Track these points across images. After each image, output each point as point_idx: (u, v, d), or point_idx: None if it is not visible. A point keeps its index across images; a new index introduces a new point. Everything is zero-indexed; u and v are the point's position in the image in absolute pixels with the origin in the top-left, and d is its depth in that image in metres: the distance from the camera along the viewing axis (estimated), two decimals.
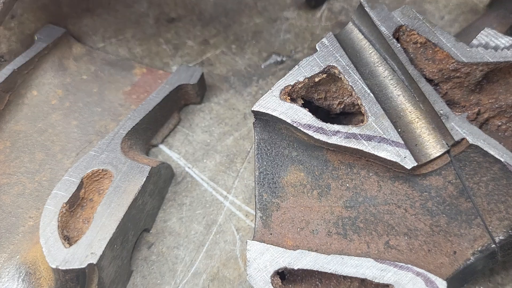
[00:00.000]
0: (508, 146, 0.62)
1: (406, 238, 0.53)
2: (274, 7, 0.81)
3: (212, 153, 0.69)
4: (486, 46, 0.56)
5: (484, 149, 0.51)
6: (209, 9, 0.81)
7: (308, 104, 0.60)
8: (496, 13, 0.73)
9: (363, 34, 0.58)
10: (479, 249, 0.52)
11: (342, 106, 0.62)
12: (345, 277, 0.53)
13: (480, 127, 0.61)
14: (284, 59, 0.75)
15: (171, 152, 0.70)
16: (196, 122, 0.72)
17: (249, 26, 0.79)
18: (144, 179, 0.59)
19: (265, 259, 0.50)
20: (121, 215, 0.56)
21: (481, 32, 0.57)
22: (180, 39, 0.78)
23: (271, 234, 0.54)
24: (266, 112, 0.54)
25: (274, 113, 0.54)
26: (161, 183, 0.64)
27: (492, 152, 0.50)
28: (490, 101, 0.59)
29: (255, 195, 0.56)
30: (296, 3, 0.81)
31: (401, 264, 0.49)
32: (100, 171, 0.60)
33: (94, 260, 0.52)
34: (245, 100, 0.73)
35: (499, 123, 0.61)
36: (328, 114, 0.64)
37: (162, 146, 0.70)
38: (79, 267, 0.52)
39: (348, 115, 0.63)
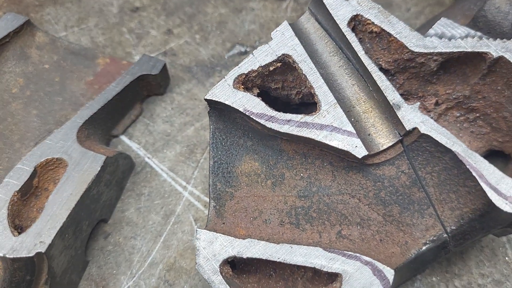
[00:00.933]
0: (466, 138, 0.62)
1: (358, 227, 0.53)
2: None
3: (172, 143, 0.68)
4: (441, 36, 0.56)
5: (436, 138, 0.50)
6: None
7: (265, 95, 0.60)
8: (461, 5, 0.73)
9: (319, 23, 0.57)
10: (431, 239, 0.53)
11: (300, 96, 0.61)
12: (298, 267, 0.53)
13: (439, 118, 0.61)
14: (248, 49, 0.74)
15: (131, 143, 0.69)
16: (157, 112, 0.71)
17: (214, 16, 0.79)
18: (99, 168, 0.58)
19: (214, 248, 0.50)
20: (72, 205, 0.55)
21: (438, 22, 0.57)
22: (144, 29, 0.78)
23: (223, 223, 0.54)
24: (218, 100, 0.53)
25: (226, 102, 0.53)
26: (119, 174, 0.64)
27: (443, 142, 0.50)
28: (447, 91, 0.59)
29: (209, 185, 0.56)
30: None
31: (350, 253, 0.49)
32: (55, 160, 0.59)
33: (42, 249, 0.51)
34: (207, 90, 0.72)
35: (458, 114, 0.61)
36: (289, 106, 0.64)
37: (122, 137, 0.70)
38: (27, 255, 0.51)
39: (310, 105, 0.63)
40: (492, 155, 0.63)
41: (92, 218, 0.60)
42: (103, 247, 0.62)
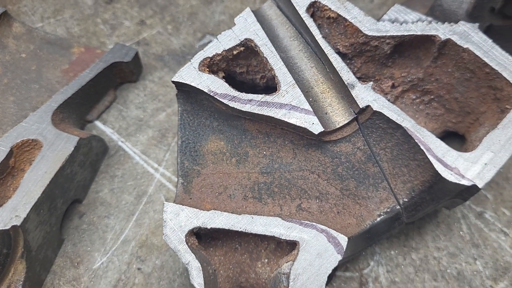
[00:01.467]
0: (422, 119, 0.66)
1: (317, 201, 0.57)
2: None
3: (145, 128, 0.71)
4: (394, 21, 0.59)
5: (387, 115, 0.54)
6: None
7: (232, 80, 0.63)
8: None
9: (280, 10, 0.61)
10: (385, 210, 0.56)
11: (265, 81, 0.65)
12: (262, 240, 0.57)
13: (396, 101, 0.65)
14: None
15: (105, 127, 0.72)
16: (130, 98, 0.74)
17: (185, 8, 0.82)
18: (72, 148, 0.61)
19: (180, 220, 0.53)
20: (47, 182, 0.58)
21: (391, 8, 0.61)
22: (118, 20, 0.80)
23: (190, 198, 0.57)
24: (184, 82, 0.56)
25: (192, 84, 0.56)
26: (92, 155, 0.66)
27: (394, 118, 0.54)
28: (402, 74, 0.63)
29: (177, 163, 0.59)
30: None
31: (306, 222, 0.52)
32: (30, 141, 0.62)
33: (18, 222, 0.54)
34: None
35: (414, 97, 0.65)
36: (255, 90, 0.67)
37: (96, 122, 0.72)
38: (3, 228, 0.53)
39: (274, 89, 0.66)
40: (449, 136, 0.67)
41: (66, 197, 0.63)
42: (77, 226, 0.65)
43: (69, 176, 0.62)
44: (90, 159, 0.66)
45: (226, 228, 0.52)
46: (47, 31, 0.79)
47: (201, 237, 0.56)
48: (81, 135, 0.64)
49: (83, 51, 0.77)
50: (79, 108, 0.70)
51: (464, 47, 0.56)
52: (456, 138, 0.66)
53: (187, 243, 0.52)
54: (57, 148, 0.61)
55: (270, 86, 0.66)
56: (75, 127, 0.68)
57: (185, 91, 0.59)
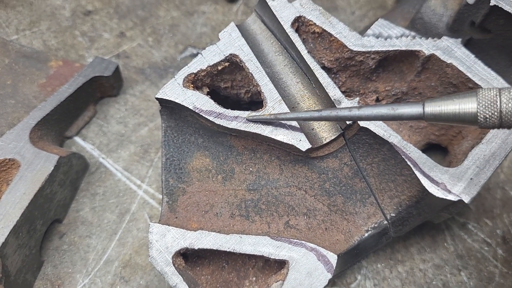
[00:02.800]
0: (406, 132, 0.66)
1: (305, 217, 0.56)
2: (191, 1, 0.82)
3: (126, 143, 0.70)
4: (378, 36, 0.60)
5: (373, 131, 0.54)
6: (126, 2, 0.81)
7: (216, 95, 0.62)
8: (401, 8, 0.78)
9: (265, 24, 0.60)
10: (373, 226, 0.56)
11: (249, 95, 0.64)
12: (249, 258, 0.56)
13: None
14: (200, 51, 0.76)
15: (85, 143, 0.70)
16: (111, 113, 0.72)
17: (166, 20, 0.80)
18: (52, 168, 0.59)
19: (167, 240, 0.52)
20: (26, 204, 0.56)
21: (375, 23, 0.61)
22: (96, 32, 0.79)
23: (176, 217, 0.56)
24: (169, 99, 0.55)
25: (176, 100, 0.55)
26: (73, 174, 0.64)
27: (380, 134, 0.54)
28: (386, 88, 0.63)
29: (162, 181, 0.57)
30: None
31: (295, 240, 0.52)
32: (7, 160, 0.59)
33: None
34: None
35: None
36: (239, 105, 0.67)
37: (76, 138, 0.70)
38: None
39: (259, 104, 0.66)
40: (431, 149, 0.67)
41: (46, 217, 0.61)
42: (58, 246, 0.63)
43: (49, 196, 0.60)
44: (70, 177, 0.64)
45: (214, 248, 0.52)
46: (23, 44, 0.76)
47: (188, 257, 0.55)
48: (61, 153, 0.62)
49: (61, 64, 0.75)
50: (58, 124, 0.68)
51: (448, 62, 0.56)
52: (439, 150, 0.67)
53: (174, 265, 0.51)
54: (36, 167, 0.59)
55: (254, 101, 0.65)
56: (54, 144, 0.66)
57: (169, 107, 0.58)
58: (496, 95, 0.38)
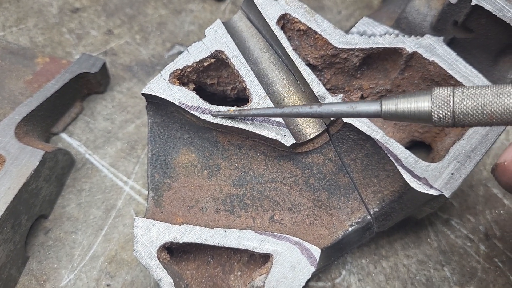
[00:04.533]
0: (390, 129, 0.67)
1: (290, 212, 0.57)
2: None
3: (113, 140, 0.70)
4: (363, 34, 0.60)
5: (357, 127, 0.55)
6: None
7: (203, 92, 0.63)
8: (386, 8, 0.79)
9: (251, 21, 0.61)
10: (356, 221, 0.57)
11: (235, 92, 0.64)
12: (235, 253, 0.56)
13: None
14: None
15: (72, 140, 0.70)
16: (98, 110, 0.72)
17: (154, 17, 0.81)
18: (37, 163, 0.59)
19: (151, 235, 0.52)
20: (10, 198, 0.56)
21: (360, 21, 0.62)
22: (84, 29, 0.79)
23: (162, 212, 0.56)
24: (155, 94, 0.55)
25: (162, 96, 0.55)
26: (58, 170, 0.64)
27: (364, 130, 0.54)
28: (371, 86, 0.64)
29: (147, 176, 0.58)
30: None
31: (279, 234, 0.52)
32: None
33: None
34: None
35: None
36: (225, 101, 0.67)
37: (62, 134, 0.70)
38: None
39: (245, 101, 0.66)
40: (415, 146, 0.68)
41: (31, 213, 0.60)
42: (43, 242, 0.63)
43: (34, 191, 0.60)
44: (56, 173, 0.64)
45: (199, 242, 0.52)
46: (9, 41, 0.76)
47: (173, 252, 0.55)
48: (47, 148, 0.62)
49: (48, 61, 0.75)
50: (44, 121, 0.68)
51: (430, 59, 0.57)
52: (423, 147, 0.68)
53: (158, 259, 0.51)
54: (21, 162, 0.59)
55: (240, 97, 0.66)
56: (40, 140, 0.66)
57: (155, 103, 0.58)
58: (450, 95, 0.39)
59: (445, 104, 0.39)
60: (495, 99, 0.38)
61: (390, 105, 0.41)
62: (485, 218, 0.67)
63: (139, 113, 0.72)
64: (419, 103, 0.40)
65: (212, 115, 0.54)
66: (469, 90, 0.39)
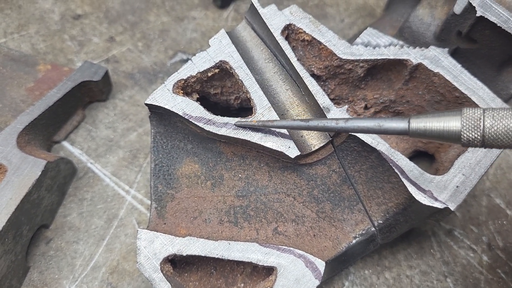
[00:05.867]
0: (394, 139, 0.67)
1: (293, 224, 0.56)
2: (181, 6, 0.83)
3: (115, 148, 0.70)
4: (367, 45, 0.60)
5: (362, 138, 0.54)
6: (116, 6, 0.81)
7: (206, 101, 0.62)
8: (389, 17, 0.79)
9: (255, 31, 0.61)
10: (360, 232, 0.56)
11: (239, 102, 0.64)
12: (238, 264, 0.56)
13: None
14: (190, 57, 0.76)
15: (73, 148, 0.69)
16: (100, 118, 0.72)
17: (156, 25, 0.80)
18: (39, 173, 0.58)
19: (155, 247, 0.52)
20: (12, 209, 0.55)
21: (364, 32, 0.62)
22: (86, 36, 0.78)
23: (165, 223, 0.56)
24: (158, 105, 0.55)
25: (166, 106, 0.55)
26: (60, 179, 0.64)
27: (368, 142, 0.54)
28: (375, 96, 0.64)
29: (150, 187, 0.57)
30: (203, 3, 0.83)
31: (284, 247, 0.52)
32: None
33: None
34: None
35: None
36: (228, 111, 0.67)
37: (64, 143, 0.70)
38: None
39: (248, 110, 0.66)
40: (418, 156, 0.68)
41: (33, 223, 0.60)
42: (44, 252, 0.62)
43: (36, 201, 0.59)
44: (58, 182, 0.64)
45: (203, 255, 0.52)
46: (11, 47, 0.76)
47: (176, 263, 0.55)
48: (49, 158, 0.61)
49: (50, 68, 0.74)
50: (46, 129, 0.67)
51: (435, 71, 0.57)
52: (426, 157, 0.68)
53: (162, 271, 0.51)
54: (23, 172, 0.58)
55: (244, 107, 0.66)
56: (41, 149, 0.66)
57: (158, 113, 0.58)
58: (480, 119, 0.39)
59: (476, 126, 0.39)
60: None
61: (418, 124, 0.41)
62: (488, 229, 0.67)
63: (141, 121, 0.72)
64: (448, 123, 0.40)
65: (235, 125, 0.54)
66: (500, 113, 0.38)
